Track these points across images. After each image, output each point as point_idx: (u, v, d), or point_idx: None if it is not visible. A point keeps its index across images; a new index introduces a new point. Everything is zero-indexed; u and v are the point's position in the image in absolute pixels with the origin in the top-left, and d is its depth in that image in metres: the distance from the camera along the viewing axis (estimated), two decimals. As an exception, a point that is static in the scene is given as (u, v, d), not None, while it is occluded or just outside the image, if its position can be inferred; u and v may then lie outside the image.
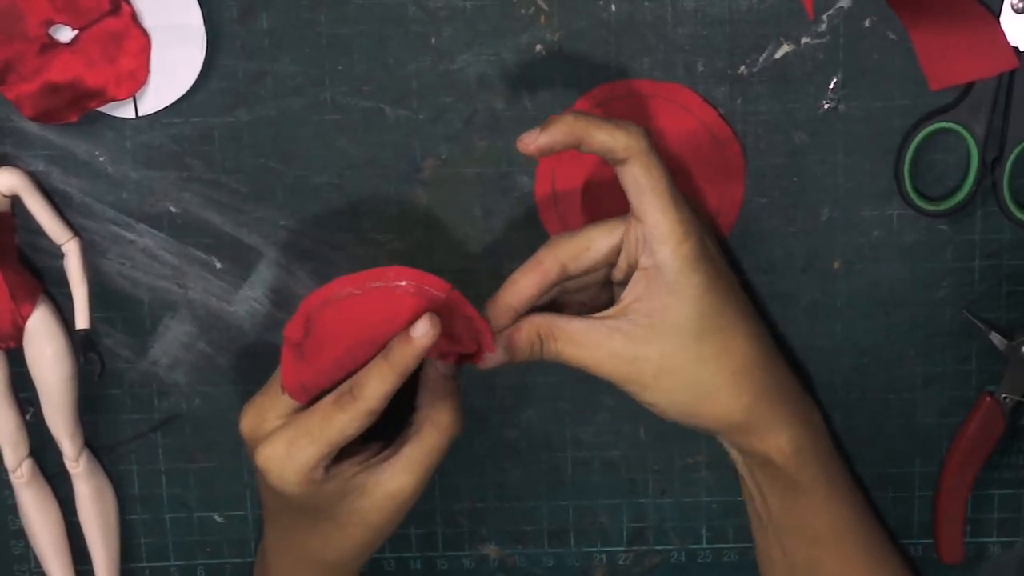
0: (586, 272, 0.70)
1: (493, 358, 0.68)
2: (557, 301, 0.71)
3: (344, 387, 0.66)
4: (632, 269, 0.68)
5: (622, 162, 0.65)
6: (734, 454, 0.73)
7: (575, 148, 0.65)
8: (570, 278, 0.70)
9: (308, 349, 0.66)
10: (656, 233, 0.66)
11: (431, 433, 0.67)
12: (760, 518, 0.74)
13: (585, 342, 0.68)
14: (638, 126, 0.66)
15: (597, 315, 0.68)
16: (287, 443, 0.66)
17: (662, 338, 0.67)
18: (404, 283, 0.65)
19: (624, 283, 0.69)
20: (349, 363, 0.66)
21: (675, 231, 0.66)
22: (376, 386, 0.65)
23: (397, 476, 0.67)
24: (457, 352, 0.68)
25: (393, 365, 0.65)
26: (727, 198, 0.74)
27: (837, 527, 0.72)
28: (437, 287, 0.65)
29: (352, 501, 0.68)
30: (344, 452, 0.67)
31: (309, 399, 0.67)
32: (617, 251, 0.69)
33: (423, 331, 0.64)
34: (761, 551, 0.76)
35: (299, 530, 0.70)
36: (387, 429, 0.69)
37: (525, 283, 0.69)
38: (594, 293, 0.72)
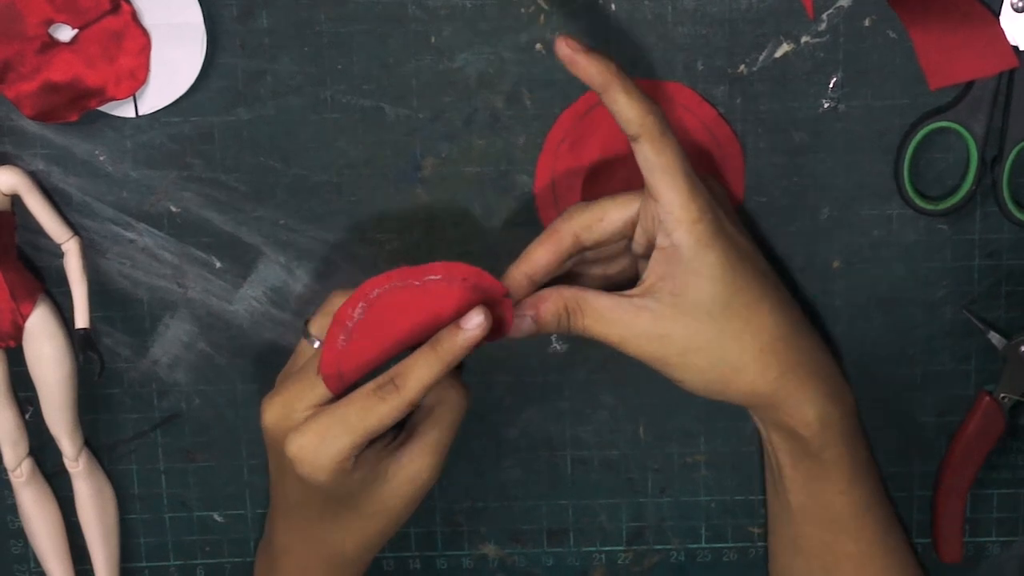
0: (601, 243, 0.70)
1: (521, 327, 0.69)
2: (577, 272, 0.71)
3: (384, 377, 0.66)
4: (651, 243, 0.68)
5: (634, 138, 0.66)
6: (761, 428, 0.72)
7: (596, 93, 0.66)
8: (585, 249, 0.70)
9: (354, 335, 0.66)
10: (669, 213, 0.66)
11: (444, 412, 0.68)
12: (779, 497, 0.73)
13: (613, 319, 0.68)
14: (656, 105, 0.66)
15: (624, 292, 0.68)
16: (321, 433, 0.66)
17: (687, 316, 0.67)
18: (463, 278, 0.66)
19: (645, 256, 0.69)
20: (385, 358, 0.67)
21: (688, 211, 0.66)
22: (421, 376, 0.65)
23: (416, 459, 0.68)
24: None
25: (441, 355, 0.65)
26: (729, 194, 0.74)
27: (857, 509, 0.72)
28: (494, 285, 0.67)
29: (374, 489, 0.68)
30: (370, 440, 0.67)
31: (340, 390, 0.67)
32: (633, 224, 0.69)
33: (476, 322, 0.65)
34: (775, 533, 0.75)
35: (319, 523, 0.70)
36: None
37: (540, 252, 0.69)
38: (615, 265, 0.72)
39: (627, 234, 0.69)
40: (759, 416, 0.72)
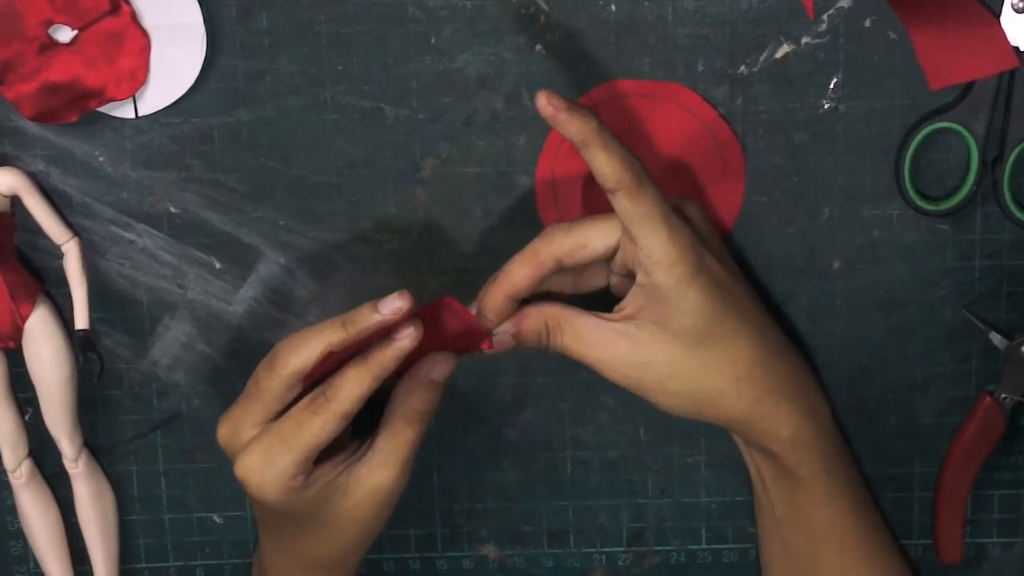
0: (581, 266, 0.70)
1: (501, 343, 0.69)
2: (551, 283, 0.72)
3: (317, 391, 0.66)
4: (629, 269, 0.68)
5: (611, 192, 0.66)
6: (740, 445, 0.74)
7: (575, 147, 0.65)
8: (565, 271, 0.70)
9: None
10: (648, 256, 0.66)
11: (399, 425, 0.68)
12: (764, 510, 0.75)
13: (593, 341, 0.68)
14: (635, 158, 0.66)
15: (605, 316, 0.69)
16: (263, 452, 0.66)
17: (667, 345, 0.68)
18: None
19: (621, 275, 0.70)
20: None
21: (668, 254, 0.66)
22: (351, 388, 0.65)
23: (375, 471, 0.68)
24: (455, 349, 0.69)
25: (370, 366, 0.65)
26: (727, 198, 0.74)
27: (838, 521, 0.73)
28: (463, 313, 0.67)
29: (336, 502, 0.68)
30: (324, 455, 0.67)
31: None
32: (613, 250, 0.69)
33: (405, 333, 0.65)
34: (764, 545, 0.76)
35: (288, 535, 0.70)
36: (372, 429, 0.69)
37: (520, 274, 0.69)
38: (587, 277, 0.72)
39: (608, 258, 0.70)
40: (735, 434, 0.73)
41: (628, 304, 0.68)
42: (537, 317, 0.69)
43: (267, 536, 0.72)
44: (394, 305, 0.64)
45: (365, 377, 0.65)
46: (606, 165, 0.65)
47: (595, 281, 0.72)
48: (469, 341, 0.69)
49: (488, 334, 0.69)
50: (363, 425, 0.69)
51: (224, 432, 0.68)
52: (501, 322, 0.69)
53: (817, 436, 0.72)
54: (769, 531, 0.75)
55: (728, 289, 0.69)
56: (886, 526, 0.76)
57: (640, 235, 0.66)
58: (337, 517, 0.69)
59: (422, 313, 0.66)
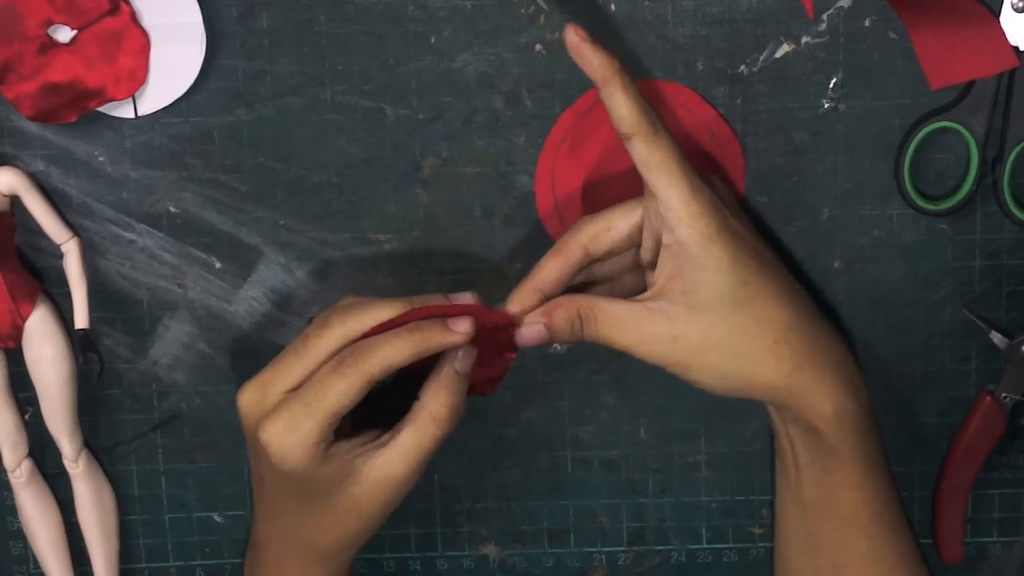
0: (610, 253, 0.70)
1: (532, 334, 0.69)
2: (587, 288, 0.71)
3: (345, 352, 0.66)
4: (658, 246, 0.68)
5: (627, 137, 0.66)
6: (778, 423, 0.72)
7: (595, 87, 0.66)
8: (595, 260, 0.70)
9: None
10: (670, 209, 0.66)
11: (427, 422, 0.67)
12: (792, 493, 0.73)
13: (627, 324, 0.68)
14: (651, 107, 0.66)
15: (636, 297, 0.68)
16: (288, 417, 0.65)
17: (699, 314, 0.67)
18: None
19: (653, 264, 0.69)
20: None
21: (689, 207, 0.66)
22: (386, 352, 0.65)
23: (391, 463, 0.67)
24: (485, 376, 0.69)
25: (415, 338, 0.65)
26: (727, 197, 0.74)
27: (870, 504, 0.72)
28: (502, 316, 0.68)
29: (346, 486, 0.67)
30: (344, 435, 0.67)
31: None
32: (639, 230, 0.69)
33: (464, 328, 0.66)
34: (784, 532, 0.75)
35: (292, 515, 0.69)
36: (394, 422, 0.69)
37: (550, 267, 0.69)
38: (625, 280, 0.72)
39: (635, 241, 0.70)
40: (777, 411, 0.72)
41: (658, 275, 0.68)
42: (568, 306, 0.68)
43: (267, 521, 0.71)
44: (465, 297, 0.66)
45: (406, 345, 0.65)
46: (623, 107, 0.65)
47: (631, 287, 0.72)
48: (502, 342, 0.68)
49: (517, 324, 0.68)
50: (373, 420, 0.69)
51: (248, 397, 0.67)
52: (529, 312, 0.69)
53: (858, 412, 0.70)
54: (794, 518, 0.74)
55: (755, 250, 0.68)
56: (909, 522, 0.75)
57: (659, 186, 0.66)
58: (344, 503, 0.68)
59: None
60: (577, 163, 0.74)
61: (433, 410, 0.67)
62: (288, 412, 0.65)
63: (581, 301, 0.69)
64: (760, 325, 0.68)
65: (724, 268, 0.67)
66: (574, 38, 0.65)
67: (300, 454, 0.65)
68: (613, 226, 0.69)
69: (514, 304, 0.69)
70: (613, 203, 0.70)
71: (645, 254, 0.70)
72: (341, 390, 0.64)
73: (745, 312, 0.68)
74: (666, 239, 0.67)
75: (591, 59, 0.65)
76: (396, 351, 0.65)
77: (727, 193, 0.72)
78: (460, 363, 0.67)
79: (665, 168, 0.66)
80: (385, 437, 0.68)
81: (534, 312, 0.69)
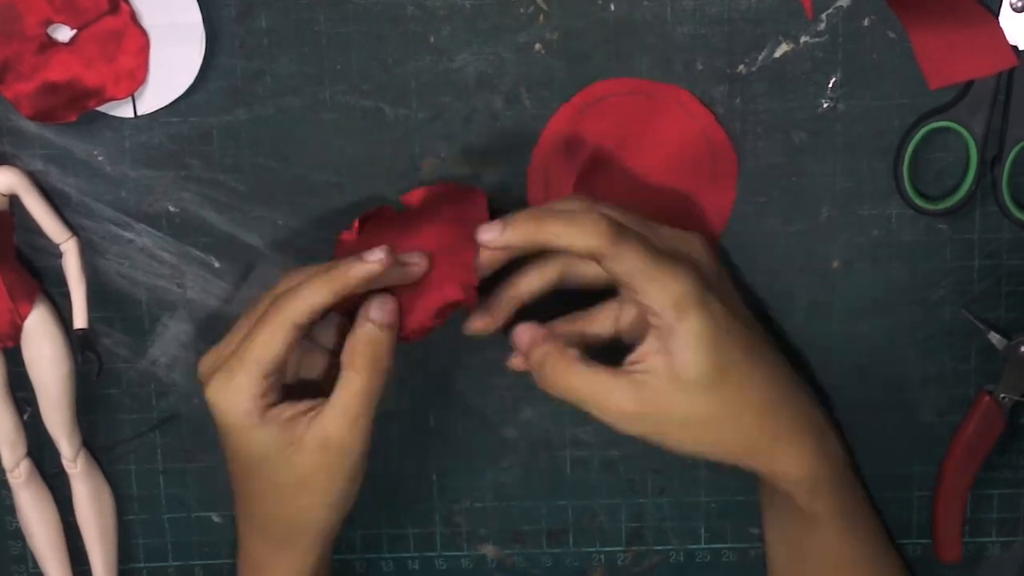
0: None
1: (480, 324, 0.71)
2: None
3: (269, 302, 0.66)
4: (639, 317, 0.69)
5: (595, 259, 0.66)
6: (758, 483, 0.74)
7: (541, 249, 0.67)
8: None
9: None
10: (651, 303, 0.66)
11: (348, 375, 0.66)
12: (776, 544, 0.75)
13: (606, 406, 0.68)
14: (598, 219, 0.65)
15: (621, 369, 0.68)
16: (224, 371, 0.66)
17: (684, 392, 0.67)
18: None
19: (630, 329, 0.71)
20: None
21: (671, 295, 0.66)
22: (305, 296, 0.65)
23: (323, 425, 0.66)
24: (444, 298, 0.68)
25: (331, 277, 0.65)
26: (719, 200, 0.74)
27: (853, 558, 0.73)
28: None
29: (290, 455, 0.66)
30: (291, 398, 0.67)
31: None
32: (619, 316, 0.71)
33: (377, 256, 0.65)
34: (771, 558, 0.76)
35: (251, 495, 0.69)
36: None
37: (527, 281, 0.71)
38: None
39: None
40: (750, 470, 0.71)
41: (646, 349, 0.67)
42: (546, 356, 0.69)
43: (236, 508, 0.71)
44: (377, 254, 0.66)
45: (323, 285, 0.65)
46: (570, 244, 0.66)
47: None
48: (464, 261, 0.68)
49: (472, 286, 0.68)
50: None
51: (207, 361, 0.68)
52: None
53: (831, 474, 0.71)
54: (783, 567, 0.75)
55: (739, 320, 0.68)
56: (901, 560, 0.76)
57: (636, 287, 0.66)
58: (290, 474, 0.67)
59: (439, 191, 0.69)
60: (572, 161, 0.74)
61: (354, 363, 0.66)
62: (225, 368, 0.66)
63: (564, 358, 0.68)
64: (744, 401, 0.68)
65: (710, 348, 0.66)
66: (493, 242, 0.66)
67: (237, 408, 0.65)
68: (595, 319, 0.72)
69: (486, 263, 0.69)
70: (608, 200, 0.70)
71: (624, 320, 0.71)
72: (266, 338, 0.65)
73: (728, 388, 0.67)
74: (652, 320, 0.67)
75: (516, 238, 0.66)
76: (314, 292, 0.65)
77: (710, 260, 0.71)
78: (374, 311, 0.67)
79: (637, 272, 0.66)
80: (319, 404, 0.67)
81: (516, 337, 0.69)
